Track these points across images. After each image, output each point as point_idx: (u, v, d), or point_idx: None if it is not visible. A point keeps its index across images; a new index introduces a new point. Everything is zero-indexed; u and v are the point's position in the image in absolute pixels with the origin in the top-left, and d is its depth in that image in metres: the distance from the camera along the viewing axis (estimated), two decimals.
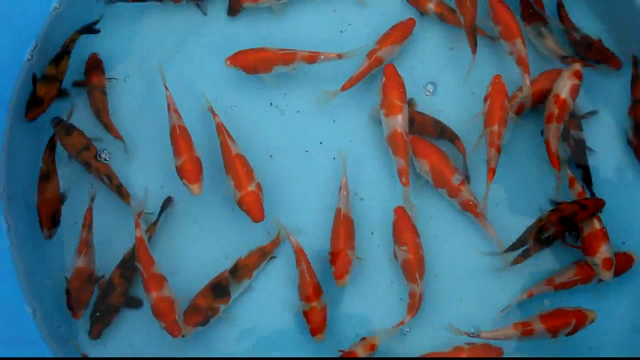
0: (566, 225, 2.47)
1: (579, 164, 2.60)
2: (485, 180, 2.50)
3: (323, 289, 2.51)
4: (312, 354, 2.55)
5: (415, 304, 2.47)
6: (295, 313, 2.56)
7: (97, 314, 2.52)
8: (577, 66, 2.56)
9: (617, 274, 2.49)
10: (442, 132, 2.62)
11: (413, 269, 2.47)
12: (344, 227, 2.51)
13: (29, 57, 2.64)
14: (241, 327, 2.58)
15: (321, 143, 2.68)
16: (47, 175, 2.59)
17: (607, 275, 2.43)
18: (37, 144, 2.64)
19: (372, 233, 2.62)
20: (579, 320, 2.43)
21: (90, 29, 2.68)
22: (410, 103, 2.63)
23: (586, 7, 2.73)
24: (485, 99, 2.54)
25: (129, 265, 2.54)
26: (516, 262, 2.54)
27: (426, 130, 2.62)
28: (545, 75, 2.63)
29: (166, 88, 2.55)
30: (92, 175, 2.62)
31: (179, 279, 2.55)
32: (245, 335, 2.58)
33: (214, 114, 2.57)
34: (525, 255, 2.53)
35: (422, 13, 2.73)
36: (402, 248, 2.49)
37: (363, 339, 2.50)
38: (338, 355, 2.49)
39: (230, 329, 2.57)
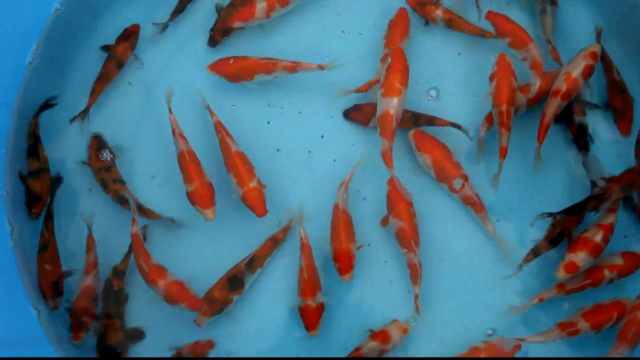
0: (627, 192, 2.46)
1: (581, 149, 2.61)
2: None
3: (324, 285, 2.53)
4: (316, 348, 2.58)
5: (416, 273, 2.48)
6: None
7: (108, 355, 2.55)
8: (595, 47, 2.55)
9: (625, 274, 2.50)
10: (417, 119, 2.62)
11: (408, 237, 2.48)
12: (343, 222, 2.52)
13: (31, 60, 2.64)
14: (245, 321, 2.60)
15: (322, 137, 2.69)
16: (46, 246, 2.56)
17: (560, 275, 2.44)
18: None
19: (368, 245, 2.62)
20: (620, 311, 2.44)
21: (47, 105, 2.68)
22: None
23: (587, 6, 2.73)
24: (491, 79, 2.53)
25: (111, 304, 2.57)
26: (526, 260, 2.54)
27: (401, 123, 2.59)
28: (543, 76, 2.61)
29: (170, 112, 2.55)
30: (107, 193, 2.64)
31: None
32: (249, 328, 2.60)
33: (212, 113, 2.58)
34: (535, 253, 2.53)
35: (428, 21, 2.72)
36: (396, 219, 2.50)
37: (395, 320, 2.53)
38: (367, 335, 2.51)
39: (235, 323, 2.60)
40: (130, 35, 2.70)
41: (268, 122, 2.70)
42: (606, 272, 2.48)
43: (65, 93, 2.71)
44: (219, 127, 2.55)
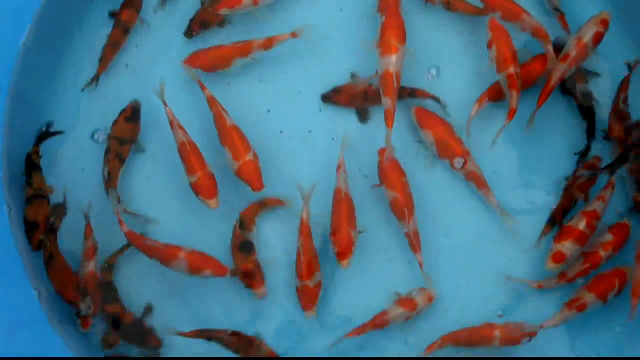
0: None
1: (586, 115, 2.60)
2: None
3: (323, 265, 2.53)
4: (317, 325, 2.60)
5: (415, 243, 2.49)
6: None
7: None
8: (605, 14, 2.55)
9: (619, 248, 2.52)
10: (400, 93, 2.58)
11: (402, 206, 2.48)
12: (345, 207, 2.50)
13: (25, 41, 2.61)
14: (243, 299, 2.61)
15: (320, 110, 2.69)
16: (52, 257, 2.55)
17: (549, 266, 2.48)
18: (37, 128, 2.65)
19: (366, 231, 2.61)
20: (622, 279, 2.47)
21: (48, 134, 2.65)
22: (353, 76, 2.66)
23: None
24: (489, 45, 2.52)
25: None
26: (544, 233, 2.57)
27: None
28: (536, 59, 2.61)
29: (165, 105, 2.52)
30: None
31: None
32: (246, 307, 2.62)
33: (203, 87, 2.56)
34: (551, 224, 2.57)
35: (427, 1, 2.69)
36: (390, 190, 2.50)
37: (422, 289, 2.53)
38: (393, 294, 2.53)
39: (234, 300, 2.61)
40: (132, 1, 2.68)
41: (268, 111, 2.70)
42: (602, 253, 2.50)
43: (60, 73, 2.70)
44: (212, 102, 2.54)
